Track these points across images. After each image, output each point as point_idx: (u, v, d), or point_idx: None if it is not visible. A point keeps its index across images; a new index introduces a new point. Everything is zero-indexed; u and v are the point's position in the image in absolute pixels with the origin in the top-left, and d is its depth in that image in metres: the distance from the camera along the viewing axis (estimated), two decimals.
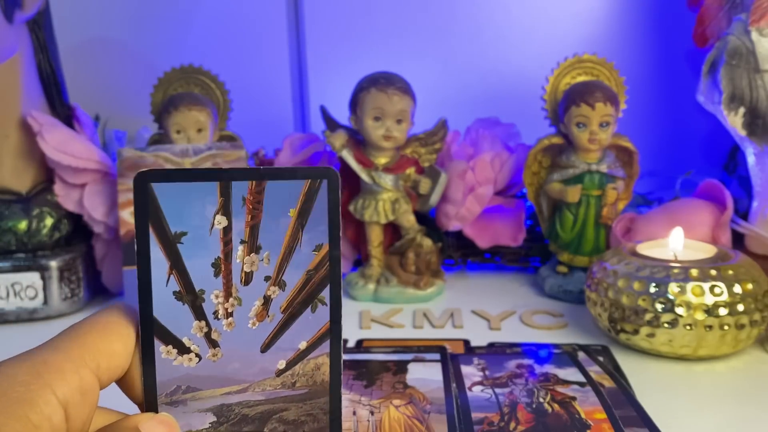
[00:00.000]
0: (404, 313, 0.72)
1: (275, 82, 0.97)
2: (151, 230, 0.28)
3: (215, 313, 0.29)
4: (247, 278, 0.29)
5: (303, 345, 0.30)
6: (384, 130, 0.72)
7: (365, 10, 0.95)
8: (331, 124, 0.77)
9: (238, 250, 0.29)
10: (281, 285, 0.30)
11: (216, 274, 0.29)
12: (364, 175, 0.74)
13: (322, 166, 0.30)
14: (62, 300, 0.71)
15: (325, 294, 0.30)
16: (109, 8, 0.93)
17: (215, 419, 0.30)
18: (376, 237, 0.76)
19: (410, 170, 0.75)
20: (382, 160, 0.74)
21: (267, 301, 0.30)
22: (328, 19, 0.95)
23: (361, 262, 0.79)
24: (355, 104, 0.73)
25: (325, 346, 0.30)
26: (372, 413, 0.49)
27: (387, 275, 0.76)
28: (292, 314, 0.30)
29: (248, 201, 0.29)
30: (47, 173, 0.74)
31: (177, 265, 0.29)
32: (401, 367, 0.56)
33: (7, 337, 0.68)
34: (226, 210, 0.29)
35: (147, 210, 0.28)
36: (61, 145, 0.70)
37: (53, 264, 0.70)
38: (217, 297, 0.29)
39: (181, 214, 0.28)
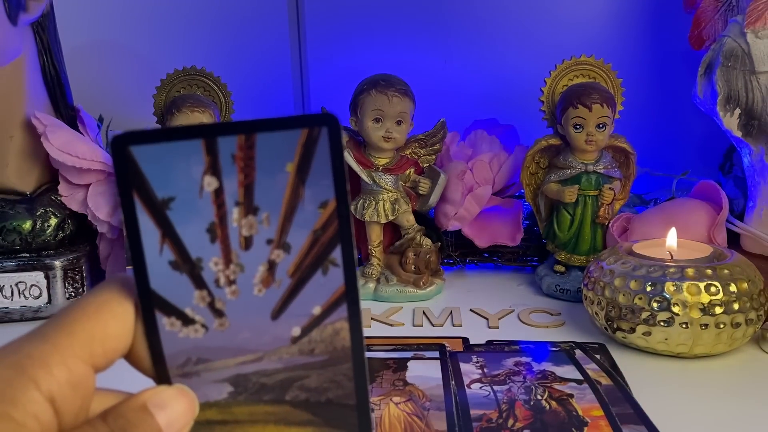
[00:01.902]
0: (404, 311, 0.72)
1: (277, 84, 0.97)
2: (136, 197, 0.26)
3: (216, 281, 0.27)
4: (247, 242, 0.27)
5: (317, 310, 0.28)
6: (384, 131, 0.73)
7: (366, 11, 0.95)
8: None
9: (234, 213, 0.26)
10: (286, 248, 0.27)
11: (212, 240, 0.27)
12: (364, 176, 0.74)
13: (320, 113, 0.26)
14: (66, 299, 0.71)
15: (337, 255, 0.27)
16: (112, 10, 0.93)
17: (233, 389, 0.28)
18: (376, 236, 0.77)
19: (410, 171, 0.76)
20: (382, 160, 0.75)
21: (272, 265, 0.27)
22: (329, 21, 0.96)
23: (361, 261, 0.80)
24: (355, 106, 0.74)
25: (342, 310, 0.28)
26: (372, 410, 0.49)
27: (387, 274, 0.77)
28: (301, 278, 0.27)
29: (238, 158, 0.26)
30: (51, 174, 0.74)
31: (169, 234, 0.26)
32: (401, 365, 0.57)
33: (12, 336, 0.67)
34: (214, 170, 0.26)
35: (129, 176, 0.26)
36: (66, 145, 0.70)
37: (57, 263, 0.71)
38: (216, 264, 0.27)
39: (166, 177, 0.26)
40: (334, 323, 0.28)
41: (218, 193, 0.26)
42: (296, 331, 0.28)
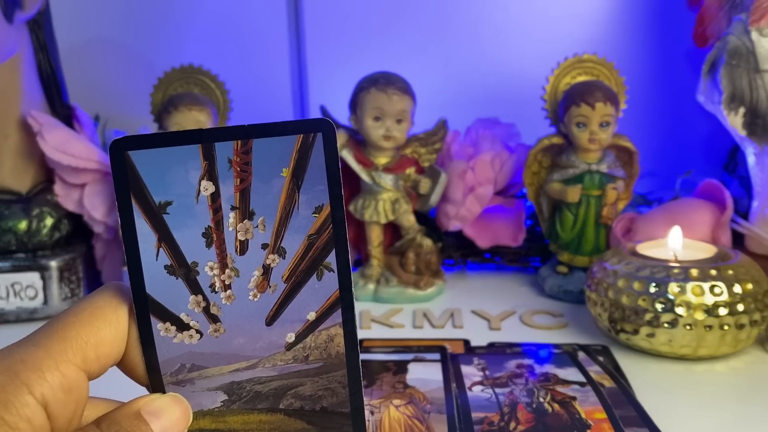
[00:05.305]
0: (404, 313, 0.72)
1: (275, 82, 0.97)
2: (133, 202, 0.26)
3: (212, 286, 0.27)
4: (243, 247, 0.27)
5: (312, 316, 0.28)
6: (384, 130, 0.72)
7: (365, 10, 0.95)
8: None
9: (230, 218, 0.27)
10: (281, 252, 0.27)
11: (208, 245, 0.27)
12: (364, 175, 0.74)
13: (315, 118, 0.27)
14: (62, 300, 0.71)
15: (331, 260, 0.27)
16: (109, 8, 0.93)
17: (226, 397, 0.28)
18: (376, 237, 0.76)
19: (410, 170, 0.75)
20: (382, 160, 0.74)
21: (267, 270, 0.27)
22: (328, 19, 0.95)
23: (361, 262, 0.80)
24: (355, 104, 0.73)
25: (337, 316, 0.28)
26: (372, 413, 0.49)
27: (387, 275, 0.76)
28: (296, 283, 0.28)
29: (235, 163, 0.26)
30: (47, 173, 0.74)
31: (165, 238, 0.27)
32: (401, 367, 0.57)
33: (7, 337, 0.66)
34: (211, 174, 0.26)
35: (127, 180, 0.26)
36: (61, 145, 0.70)
37: (53, 264, 0.70)
38: (212, 269, 0.27)
39: (164, 182, 0.26)
40: (329, 329, 0.28)
41: (215, 197, 0.27)
42: (291, 337, 0.28)
